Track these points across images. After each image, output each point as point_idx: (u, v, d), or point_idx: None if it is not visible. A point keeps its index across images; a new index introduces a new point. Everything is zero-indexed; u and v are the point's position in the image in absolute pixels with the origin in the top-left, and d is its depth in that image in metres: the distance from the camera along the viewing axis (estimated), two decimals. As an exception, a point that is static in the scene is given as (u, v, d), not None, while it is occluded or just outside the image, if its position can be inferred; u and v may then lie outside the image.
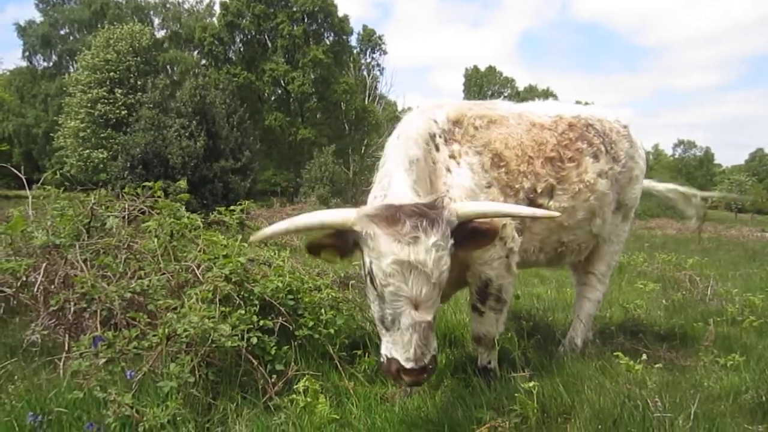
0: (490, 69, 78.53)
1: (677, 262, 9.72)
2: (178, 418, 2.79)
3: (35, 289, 4.02)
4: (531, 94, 72.82)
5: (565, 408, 3.19)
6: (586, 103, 6.36)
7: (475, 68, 78.85)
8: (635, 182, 4.45)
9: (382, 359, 2.60)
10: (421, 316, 2.46)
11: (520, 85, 78.94)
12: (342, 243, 2.67)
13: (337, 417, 3.07)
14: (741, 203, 61.07)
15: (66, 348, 3.70)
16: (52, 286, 4.24)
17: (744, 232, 27.19)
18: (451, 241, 2.56)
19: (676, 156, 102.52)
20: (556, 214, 3.20)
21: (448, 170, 3.35)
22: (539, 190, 3.63)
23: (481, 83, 75.91)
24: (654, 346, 4.45)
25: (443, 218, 2.53)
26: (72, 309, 3.93)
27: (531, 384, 3.03)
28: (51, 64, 51.94)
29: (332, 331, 3.87)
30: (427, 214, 2.51)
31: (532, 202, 3.60)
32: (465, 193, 3.30)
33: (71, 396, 2.87)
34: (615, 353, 3.60)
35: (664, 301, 6.38)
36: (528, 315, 5.61)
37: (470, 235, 2.72)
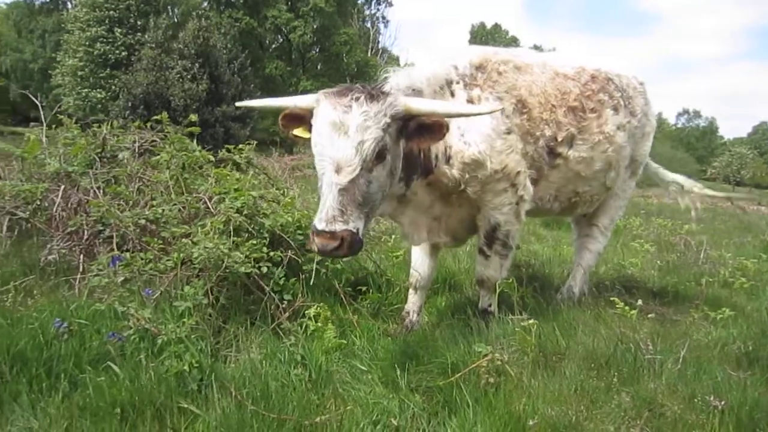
0: (496, 27, 76.87)
1: (672, 227, 9.84)
2: (193, 335, 2.92)
3: (54, 211, 4.09)
4: (535, 54, 71.62)
5: (560, 349, 3.34)
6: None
7: (482, 25, 77.17)
8: (647, 139, 4.57)
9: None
10: (339, 179, 2.59)
11: (524, 45, 77.40)
12: (311, 118, 2.84)
13: (345, 343, 3.22)
14: (740, 176, 60.95)
15: (81, 269, 3.81)
16: (64, 213, 4.32)
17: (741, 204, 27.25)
18: (387, 120, 2.67)
19: (679, 125, 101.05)
20: (498, 108, 3.29)
21: None
22: (560, 139, 3.68)
23: (486, 41, 74.40)
24: (647, 301, 4.59)
25: (385, 100, 2.70)
26: (87, 233, 4.03)
27: (530, 322, 3.17)
28: (49, -2, 50.34)
29: (339, 266, 3.98)
30: (368, 91, 2.72)
31: (551, 150, 3.67)
32: (480, 137, 3.30)
33: (92, 308, 2.99)
34: (611, 298, 3.74)
35: (658, 262, 6.52)
36: (527, 264, 5.76)
37: (418, 129, 2.83)
